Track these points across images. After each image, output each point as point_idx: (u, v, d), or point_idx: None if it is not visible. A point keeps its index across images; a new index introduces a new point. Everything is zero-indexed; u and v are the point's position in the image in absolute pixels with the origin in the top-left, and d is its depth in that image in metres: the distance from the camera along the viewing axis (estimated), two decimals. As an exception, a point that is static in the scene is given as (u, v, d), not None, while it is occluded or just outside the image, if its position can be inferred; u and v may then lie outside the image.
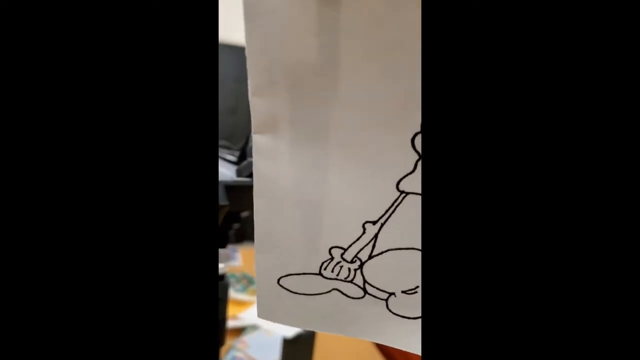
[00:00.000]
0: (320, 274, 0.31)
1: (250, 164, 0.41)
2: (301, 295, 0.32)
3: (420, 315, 0.32)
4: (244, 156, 0.47)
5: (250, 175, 0.40)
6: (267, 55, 0.25)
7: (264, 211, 0.30)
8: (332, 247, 0.30)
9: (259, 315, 0.34)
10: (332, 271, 0.31)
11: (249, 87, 0.26)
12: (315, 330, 0.34)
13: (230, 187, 0.40)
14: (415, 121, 0.26)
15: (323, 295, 0.32)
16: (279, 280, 0.32)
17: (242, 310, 1.17)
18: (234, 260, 1.55)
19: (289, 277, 0.32)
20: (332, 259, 0.31)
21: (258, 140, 0.28)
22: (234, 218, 0.50)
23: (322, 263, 0.31)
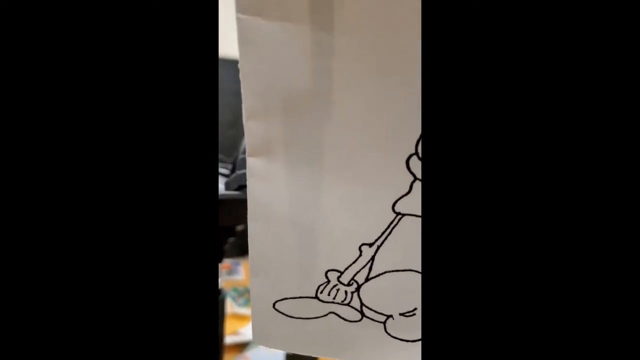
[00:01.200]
0: (316, 297, 0.31)
1: (238, 177, 0.40)
2: (297, 320, 0.32)
3: (419, 338, 0.32)
4: (235, 170, 0.47)
5: (238, 189, 0.40)
6: (262, 79, 0.25)
7: (258, 234, 0.29)
8: (328, 270, 0.30)
9: (254, 340, 0.33)
10: (329, 294, 0.31)
11: (243, 111, 0.26)
12: (312, 355, 0.34)
13: (220, 202, 0.40)
14: (409, 143, 0.26)
15: (319, 319, 0.32)
16: (274, 305, 0.31)
17: (244, 325, 1.16)
18: (236, 274, 1.54)
19: (284, 301, 0.31)
20: (328, 282, 0.30)
21: (252, 164, 0.27)
22: (228, 232, 0.49)
23: (319, 286, 0.31)
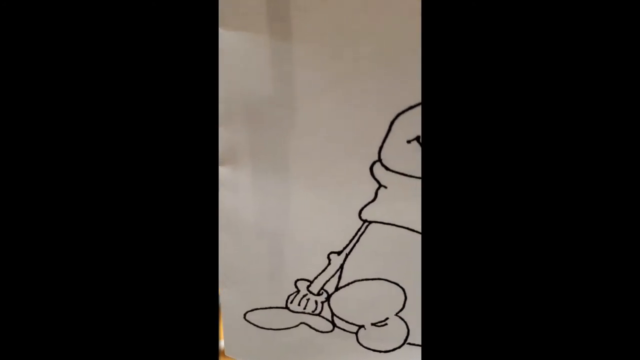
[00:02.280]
0: (286, 307, 0.31)
1: None
2: (268, 330, 0.32)
3: (392, 348, 0.31)
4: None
5: None
6: (228, 87, 0.26)
7: (227, 244, 0.29)
8: (297, 280, 0.30)
9: (226, 353, 0.33)
10: (299, 304, 0.31)
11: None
12: (285, 367, 0.34)
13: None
14: (372, 150, 0.26)
15: (291, 329, 0.32)
16: (245, 315, 0.31)
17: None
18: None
19: (255, 311, 0.31)
20: (298, 291, 0.30)
21: (221, 172, 0.28)
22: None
23: (289, 296, 0.30)
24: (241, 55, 0.25)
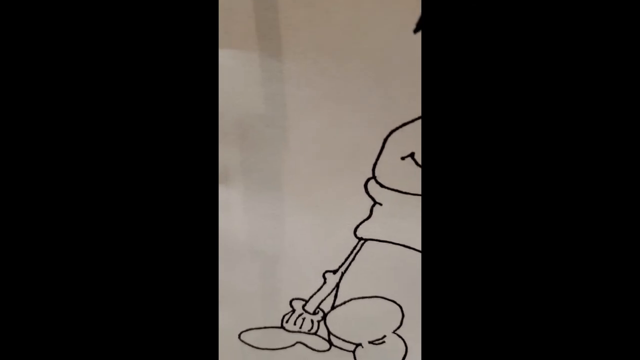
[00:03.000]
0: (282, 327, 0.30)
1: None
2: (264, 351, 0.31)
3: (389, 366, 0.31)
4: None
5: None
6: (219, 106, 0.25)
7: (221, 265, 0.29)
8: (292, 299, 0.29)
9: (221, 373, 0.32)
10: (295, 324, 0.30)
11: None
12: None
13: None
14: (366, 167, 0.25)
15: (287, 349, 0.31)
16: (240, 336, 0.31)
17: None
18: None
19: (250, 331, 0.30)
20: (293, 311, 0.30)
21: None
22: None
23: (284, 316, 0.30)
24: (231, 74, 0.24)
